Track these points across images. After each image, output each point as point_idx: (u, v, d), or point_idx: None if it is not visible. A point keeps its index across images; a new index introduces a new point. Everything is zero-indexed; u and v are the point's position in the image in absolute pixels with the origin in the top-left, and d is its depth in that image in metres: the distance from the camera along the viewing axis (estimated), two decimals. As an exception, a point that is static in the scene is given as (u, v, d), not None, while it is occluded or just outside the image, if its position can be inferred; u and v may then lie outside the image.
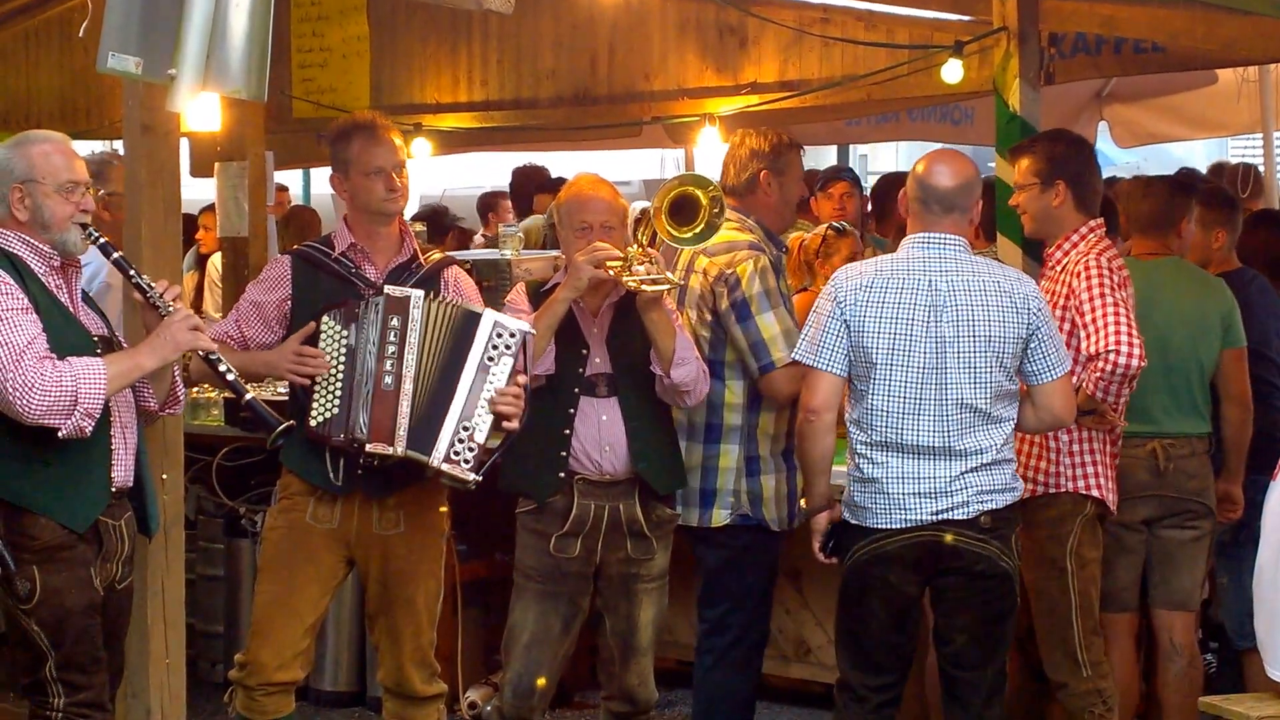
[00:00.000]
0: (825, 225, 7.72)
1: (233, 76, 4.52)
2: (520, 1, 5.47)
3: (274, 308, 5.42)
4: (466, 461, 5.19)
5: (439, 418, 5.18)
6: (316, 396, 5.27)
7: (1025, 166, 5.83)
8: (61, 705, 4.77)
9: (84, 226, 4.79)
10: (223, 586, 7.51)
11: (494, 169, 14.34)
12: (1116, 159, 16.51)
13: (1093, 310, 5.50)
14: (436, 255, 5.55)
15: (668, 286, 5.44)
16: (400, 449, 5.19)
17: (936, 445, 5.10)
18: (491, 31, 9.49)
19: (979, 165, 5.44)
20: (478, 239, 11.80)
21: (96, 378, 4.62)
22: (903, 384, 5.11)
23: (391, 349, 5.22)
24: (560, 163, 12.59)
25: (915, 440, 5.10)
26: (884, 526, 5.13)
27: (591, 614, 5.64)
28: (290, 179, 14.91)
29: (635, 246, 5.43)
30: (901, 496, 5.11)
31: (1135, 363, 5.40)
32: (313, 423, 5.26)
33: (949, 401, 5.10)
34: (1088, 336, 5.49)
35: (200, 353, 4.93)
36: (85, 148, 7.64)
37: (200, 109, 6.94)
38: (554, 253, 7.50)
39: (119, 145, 6.79)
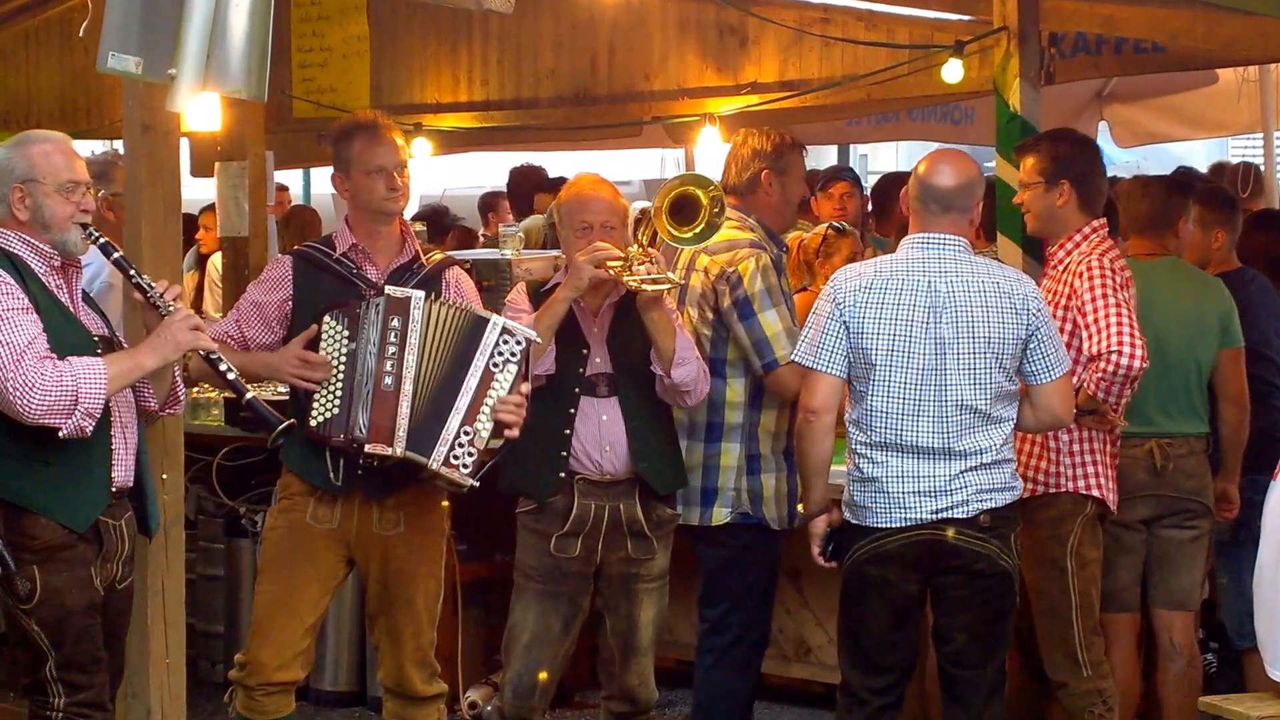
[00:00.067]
0: (825, 225, 7.72)
1: (233, 76, 4.52)
2: (520, 1, 5.47)
3: (275, 308, 5.42)
4: (465, 466, 5.19)
5: (440, 420, 5.18)
6: (317, 396, 5.27)
7: (1030, 165, 5.83)
8: (62, 705, 4.77)
9: (84, 226, 4.79)
10: (223, 586, 7.51)
11: (494, 169, 14.31)
12: (1116, 159, 16.47)
13: (1095, 310, 5.49)
14: (438, 256, 5.56)
15: (668, 286, 5.44)
16: (399, 450, 5.18)
17: (936, 446, 5.10)
18: (491, 31, 9.49)
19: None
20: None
21: (97, 378, 4.62)
22: (902, 384, 5.11)
23: (392, 350, 5.22)
24: (560, 163, 12.57)
25: (915, 441, 5.10)
26: (884, 525, 5.13)
27: (592, 614, 5.64)
28: (290, 179, 14.91)
29: (636, 246, 5.43)
30: (901, 495, 5.11)
31: (1137, 363, 5.40)
32: (313, 423, 5.26)
33: (948, 402, 5.09)
34: (1089, 337, 5.48)
35: (201, 352, 4.92)
36: (85, 148, 7.62)
37: (200, 109, 6.93)
38: (554, 253, 7.49)
39: (119, 145, 6.79)
